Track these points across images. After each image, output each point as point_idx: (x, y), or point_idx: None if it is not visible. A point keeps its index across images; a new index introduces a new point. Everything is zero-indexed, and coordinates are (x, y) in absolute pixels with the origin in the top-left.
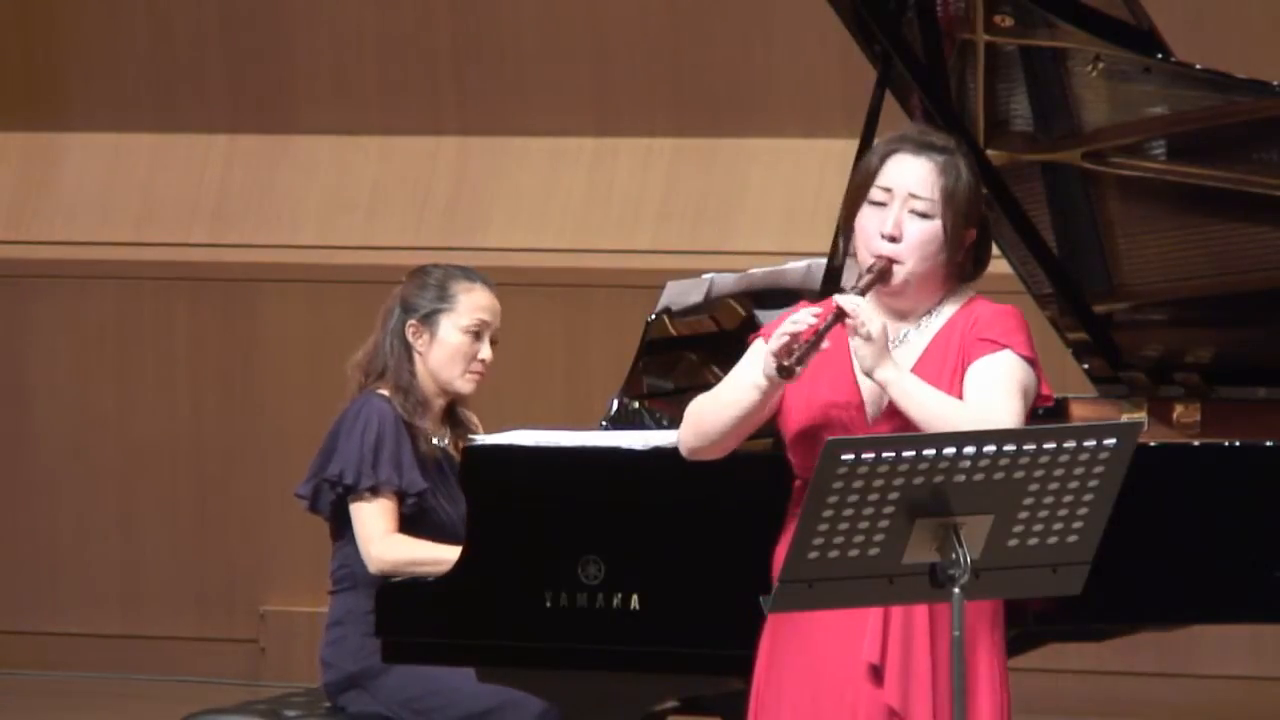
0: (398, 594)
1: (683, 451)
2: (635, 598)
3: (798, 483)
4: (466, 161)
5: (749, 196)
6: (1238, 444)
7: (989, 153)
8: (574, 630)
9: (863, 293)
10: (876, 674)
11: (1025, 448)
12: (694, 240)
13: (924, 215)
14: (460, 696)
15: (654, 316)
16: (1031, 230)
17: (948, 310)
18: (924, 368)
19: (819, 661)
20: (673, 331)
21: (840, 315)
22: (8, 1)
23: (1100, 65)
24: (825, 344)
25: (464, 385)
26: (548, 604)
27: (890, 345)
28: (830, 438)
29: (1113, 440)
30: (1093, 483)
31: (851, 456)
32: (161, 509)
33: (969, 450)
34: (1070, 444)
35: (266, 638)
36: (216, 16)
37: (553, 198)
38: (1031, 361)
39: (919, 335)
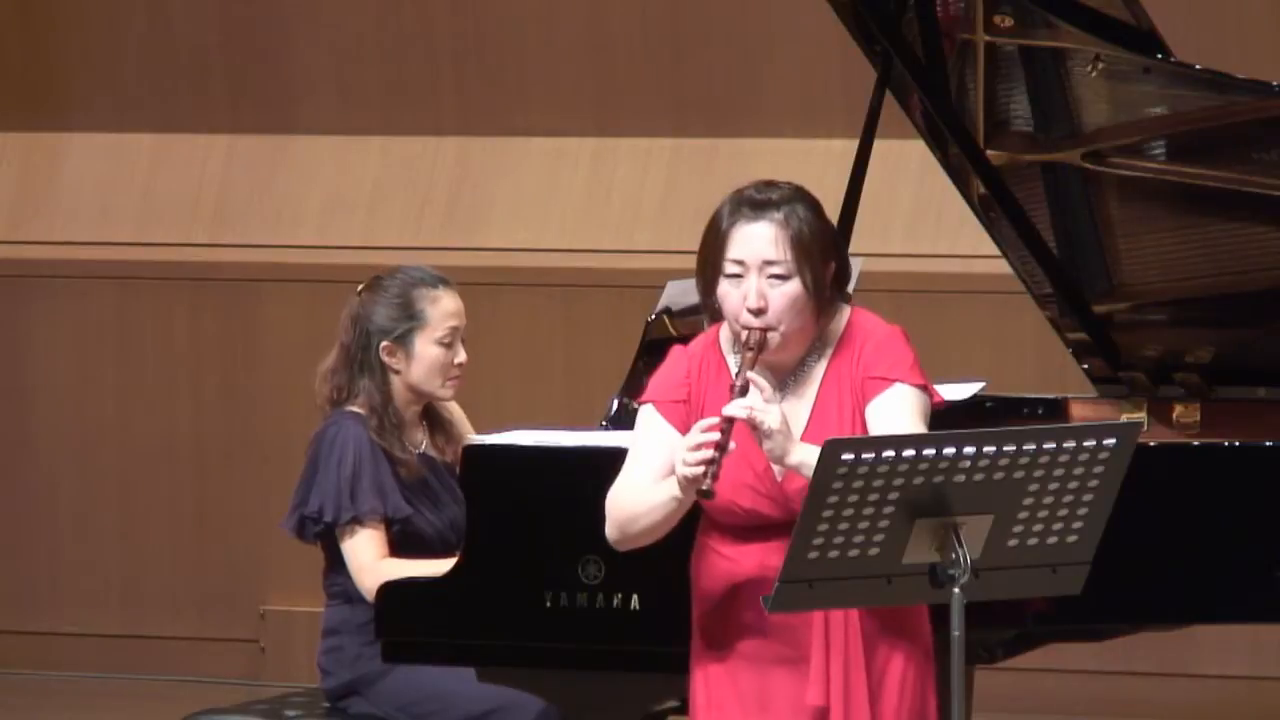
0: (398, 594)
1: (611, 543)
2: (635, 598)
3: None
4: (466, 161)
5: None
6: (1238, 444)
7: (989, 153)
8: (574, 630)
9: (745, 379)
10: (822, 716)
11: (1025, 448)
12: (694, 240)
13: (783, 277)
14: (458, 700)
15: (654, 316)
16: (1031, 230)
17: (830, 339)
18: (820, 417)
19: (757, 708)
20: (673, 331)
21: (732, 420)
22: (8, 1)
23: (1100, 65)
24: (732, 446)
25: (445, 393)
26: (548, 604)
27: (780, 397)
28: (829, 437)
29: (1113, 440)
30: (1093, 483)
31: (851, 456)
32: (161, 509)
33: (969, 450)
34: (1070, 444)
35: (266, 638)
36: (216, 16)
37: (553, 198)
38: (923, 386)
39: (807, 375)
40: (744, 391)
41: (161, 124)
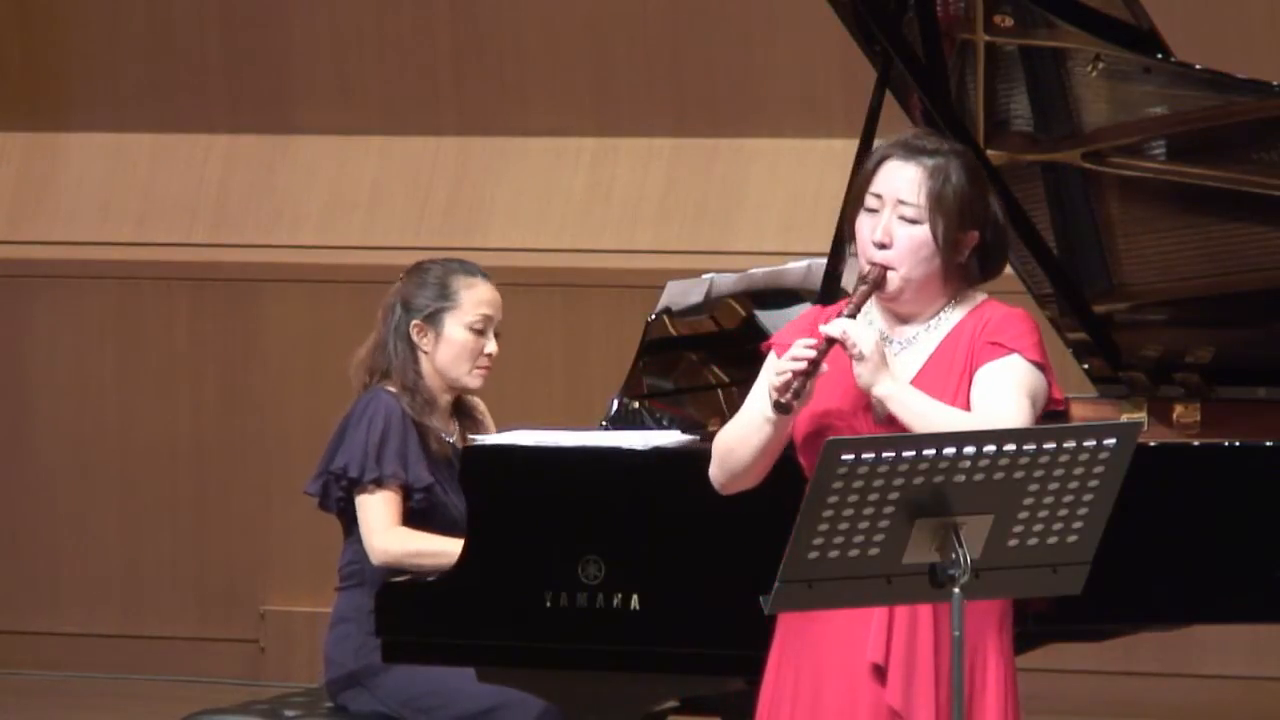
0: (398, 593)
1: (716, 487)
2: (635, 598)
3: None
4: (466, 161)
5: (749, 196)
6: (1238, 444)
7: (989, 153)
8: (574, 630)
9: (856, 307)
10: (880, 674)
11: (1025, 448)
12: (694, 240)
13: (912, 221)
14: (460, 696)
15: (654, 316)
16: (1031, 230)
17: (956, 314)
18: (931, 371)
19: (823, 662)
20: (673, 331)
21: (832, 341)
22: (8, 1)
23: (1100, 65)
24: (824, 368)
25: (473, 381)
26: (548, 604)
27: (896, 350)
28: (830, 438)
29: (1113, 440)
30: (1093, 483)
31: (851, 456)
32: (161, 509)
33: (969, 450)
34: (1070, 444)
35: (266, 638)
36: (216, 16)
37: (553, 198)
38: (1041, 366)
39: (927, 337)
40: (851, 318)
41: (161, 124)
